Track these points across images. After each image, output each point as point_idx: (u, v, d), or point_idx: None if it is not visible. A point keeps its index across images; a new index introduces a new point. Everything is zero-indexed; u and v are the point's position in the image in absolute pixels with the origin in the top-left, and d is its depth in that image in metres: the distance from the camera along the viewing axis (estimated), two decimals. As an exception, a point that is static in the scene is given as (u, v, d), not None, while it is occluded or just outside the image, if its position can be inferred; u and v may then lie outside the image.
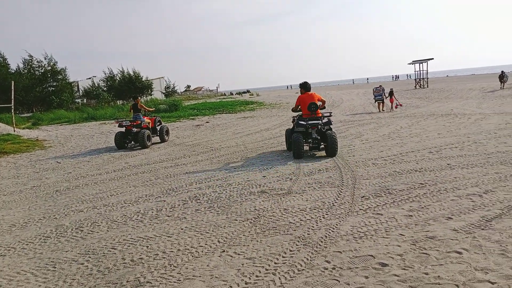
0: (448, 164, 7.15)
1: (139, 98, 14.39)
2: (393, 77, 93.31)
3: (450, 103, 20.62)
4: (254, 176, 7.44)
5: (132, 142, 13.01)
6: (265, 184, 6.80)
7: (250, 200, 5.90)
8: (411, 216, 4.69)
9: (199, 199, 6.16)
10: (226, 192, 6.47)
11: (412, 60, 40.22)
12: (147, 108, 13.75)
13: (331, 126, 9.22)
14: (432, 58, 39.28)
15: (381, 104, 19.54)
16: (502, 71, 29.81)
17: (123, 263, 3.99)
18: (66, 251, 4.45)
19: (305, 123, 9.01)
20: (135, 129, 12.64)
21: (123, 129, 12.86)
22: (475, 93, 25.74)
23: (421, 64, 39.71)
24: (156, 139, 13.89)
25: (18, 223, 5.65)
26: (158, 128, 13.61)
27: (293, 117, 9.84)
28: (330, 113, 9.67)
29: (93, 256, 4.23)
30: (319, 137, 9.11)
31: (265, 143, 11.65)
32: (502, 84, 28.41)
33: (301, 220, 4.84)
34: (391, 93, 19.76)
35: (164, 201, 6.25)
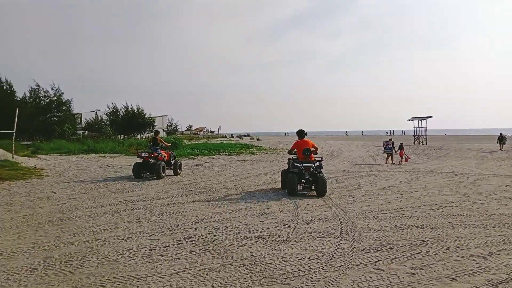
0: (449, 223, 7.02)
1: (159, 133, 15.64)
2: (387, 133, 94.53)
3: (449, 162, 20.71)
4: (251, 221, 7.29)
5: (147, 173, 13.88)
6: (262, 229, 6.64)
7: (247, 245, 5.73)
8: (413, 274, 4.52)
9: (194, 240, 5.99)
10: (223, 235, 6.30)
11: (411, 116, 40.92)
12: (165, 142, 15.06)
13: (322, 169, 10.40)
14: (431, 116, 40.01)
15: (390, 156, 20.11)
16: (501, 133, 30.26)
17: (111, 303, 3.79)
18: (53, 285, 4.24)
19: (300, 165, 10.21)
20: (152, 161, 13.65)
21: (140, 160, 13.89)
22: (473, 153, 25.94)
23: (420, 121, 40.36)
24: (170, 172, 14.70)
25: (5, 252, 5.44)
26: (172, 162, 14.62)
27: (289, 159, 11.04)
28: (322, 158, 10.92)
29: (80, 293, 4.02)
30: (311, 178, 10.20)
31: (263, 188, 11.54)
32: (501, 146, 28.72)
33: (299, 270, 4.67)
34: (401, 147, 20.30)
35: (158, 239, 6.06)
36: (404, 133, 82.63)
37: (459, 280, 4.31)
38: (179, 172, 14.82)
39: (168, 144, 15.75)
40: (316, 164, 10.35)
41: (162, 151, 14.31)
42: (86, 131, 49.51)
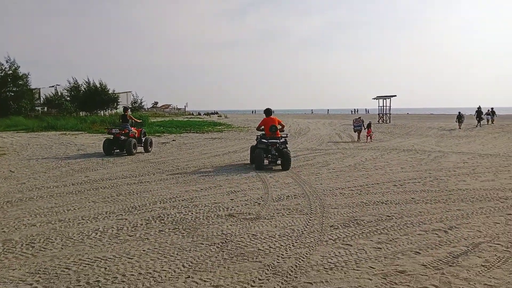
0: (412, 198, 7.30)
1: (128, 109, 15.68)
2: (351, 111, 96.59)
3: (411, 139, 21.46)
4: (221, 199, 7.25)
5: (118, 150, 13.94)
6: (232, 207, 6.63)
7: (217, 223, 5.70)
8: (380, 248, 4.67)
9: (163, 220, 5.89)
10: (192, 213, 6.24)
11: (376, 95, 41.83)
12: (135, 119, 15.19)
13: (287, 145, 11.18)
14: (395, 95, 41.05)
15: (359, 133, 20.96)
16: (459, 112, 31.58)
17: (78, 285, 3.67)
18: (14, 269, 4.04)
19: (266, 141, 10.93)
20: (123, 137, 13.70)
21: (111, 137, 13.86)
22: (433, 132, 27.01)
23: (384, 100, 41.36)
24: (140, 149, 14.71)
25: (-40, 235, 5.13)
26: (143, 139, 14.60)
27: (257, 135, 11.68)
28: (286, 134, 11.75)
29: (44, 276, 3.87)
30: (276, 154, 10.94)
31: (232, 166, 11.50)
32: (459, 124, 30.02)
33: (270, 247, 4.70)
34: (369, 125, 20.87)
35: (126, 219, 5.92)
36: (368, 111, 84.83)
37: (423, 253, 4.49)
38: (150, 149, 14.79)
39: (139, 121, 15.88)
40: (281, 140, 11.06)
41: (133, 128, 14.37)
42: (46, 107, 47.18)
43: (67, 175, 9.80)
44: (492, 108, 35.32)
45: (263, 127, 11.37)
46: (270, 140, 10.90)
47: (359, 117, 22.23)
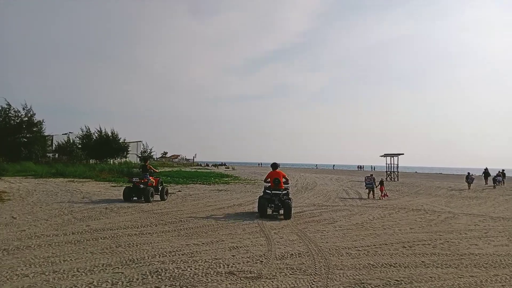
0: (422, 262, 6.97)
1: (148, 160, 17.41)
2: (358, 167, 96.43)
3: (420, 199, 21.04)
4: (222, 254, 7.01)
5: (136, 197, 14.82)
6: (233, 264, 6.38)
7: (216, 281, 5.46)
8: (387, 316, 4.37)
9: (160, 275, 5.66)
10: (191, 269, 6.00)
11: (384, 153, 41.83)
12: (154, 169, 16.13)
13: (289, 196, 12.38)
14: (403, 153, 40.99)
15: (371, 191, 20.82)
16: (468, 173, 31.29)
17: None
18: (-2, 325, 3.84)
19: (270, 192, 12.15)
20: (142, 186, 14.63)
21: (130, 185, 14.94)
22: (443, 192, 26.53)
23: (392, 158, 41.26)
24: (156, 197, 15.48)
25: (-51, 284, 4.96)
26: (160, 187, 15.47)
27: (264, 186, 12.72)
28: (288, 186, 12.80)
29: (29, 334, 3.65)
30: (279, 204, 11.97)
31: (237, 219, 11.27)
32: (468, 185, 29.61)
33: (270, 310, 4.43)
34: (381, 183, 21.15)
35: (122, 273, 5.70)
36: (374, 168, 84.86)
37: (434, 324, 4.18)
38: (166, 197, 15.51)
39: (157, 171, 16.88)
40: (284, 192, 12.20)
41: (151, 178, 15.26)
42: (57, 154, 47.92)
43: (68, 224, 9.66)
44: (502, 170, 34.96)
45: (269, 179, 12.53)
46: (273, 191, 12.13)
47: (371, 175, 22.22)
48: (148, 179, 14.95)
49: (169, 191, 16.59)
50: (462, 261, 7.13)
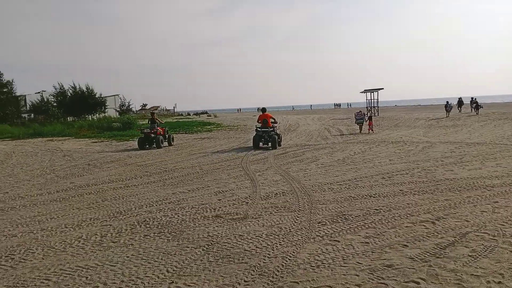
0: (400, 190, 7.28)
1: (155, 113, 21.12)
2: (335, 105, 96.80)
3: (399, 131, 21.54)
4: (208, 199, 7.16)
5: (148, 145, 16.88)
6: (220, 208, 6.54)
7: (204, 225, 5.61)
8: (367, 243, 4.63)
9: (148, 224, 5.78)
10: (178, 216, 6.14)
11: (364, 89, 41.94)
12: (160, 120, 18.65)
13: (276, 131, 15.61)
14: (382, 88, 41.17)
15: (361, 126, 22.10)
16: (447, 101, 32.09)
17: (57, 297, 3.55)
18: (-9, 284, 3.91)
19: (260, 130, 15.45)
20: (152, 135, 16.85)
21: (142, 135, 16.96)
22: (421, 122, 27.17)
23: (372, 93, 41.51)
24: (165, 144, 17.59)
25: None
26: (167, 135, 17.90)
27: (256, 125, 16.04)
28: (276, 125, 16.01)
29: (23, 289, 3.74)
30: (268, 138, 15.19)
31: (221, 165, 11.40)
32: (447, 113, 30.47)
33: (256, 247, 4.63)
34: (370, 118, 22.40)
35: (110, 225, 5.79)
36: (351, 105, 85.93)
37: (410, 246, 4.46)
38: (173, 143, 17.95)
39: (163, 122, 19.69)
40: (270, 129, 15.31)
41: (158, 128, 17.34)
42: (32, 114, 46.51)
43: (51, 182, 9.62)
44: (475, 98, 35.91)
45: (259, 120, 15.83)
46: (262, 129, 15.36)
47: (360, 111, 23.28)
48: (156, 129, 17.06)
49: (174, 137, 19.07)
50: (438, 186, 7.47)
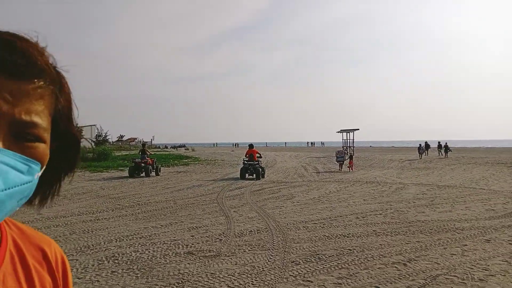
0: (374, 231, 7.35)
1: (145, 145, 23.29)
2: (307, 143, 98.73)
3: (373, 171, 22.00)
4: (181, 235, 7.01)
5: (137, 172, 18.65)
6: (192, 244, 6.41)
7: (175, 262, 5.47)
8: (340, 284, 4.60)
9: (117, 259, 5.58)
10: (149, 252, 5.96)
11: (340, 129, 43.00)
12: (150, 152, 20.79)
13: (261, 165, 18.32)
14: (358, 129, 42.35)
15: (341, 164, 23.41)
16: (420, 144, 33.49)
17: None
18: None
19: (246, 163, 17.83)
20: (143, 164, 18.71)
21: (133, 164, 19.03)
22: (395, 164, 27.88)
23: (348, 134, 42.56)
24: (152, 174, 19.22)
25: None
26: (155, 166, 19.69)
27: (243, 159, 18.49)
28: (260, 160, 18.65)
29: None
30: (253, 170, 17.54)
31: (196, 200, 11.26)
32: (420, 156, 31.61)
33: (228, 286, 4.53)
34: (351, 157, 23.91)
35: (77, 260, 5.56)
36: (324, 144, 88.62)
37: (382, 288, 4.46)
38: (160, 173, 19.70)
39: (152, 153, 21.63)
40: (255, 163, 17.78)
41: (148, 158, 19.34)
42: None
43: (17, 213, 9.15)
44: (445, 143, 37.64)
45: (247, 155, 18.29)
46: (249, 162, 17.79)
47: (341, 150, 25.31)
48: (146, 159, 19.12)
49: (161, 169, 20.77)
50: (410, 228, 7.59)
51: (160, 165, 21.01)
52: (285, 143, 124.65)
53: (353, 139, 42.51)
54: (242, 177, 17.48)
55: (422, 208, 9.81)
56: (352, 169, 22.62)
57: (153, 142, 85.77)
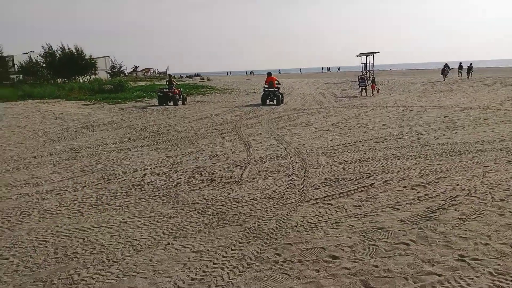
0: (393, 155, 7.35)
1: (172, 76, 26.28)
2: (322, 69, 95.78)
3: (393, 96, 21.49)
4: (203, 163, 7.18)
5: (165, 102, 19.72)
6: (214, 171, 6.58)
7: (199, 188, 5.66)
8: (360, 206, 4.72)
9: (143, 187, 5.81)
10: (173, 179, 6.17)
11: (359, 52, 41.35)
12: (176, 82, 22.59)
13: (280, 91, 19.04)
14: (378, 52, 40.57)
15: (364, 89, 22.73)
16: (445, 64, 32.18)
17: (55, 257, 3.61)
18: (-12, 245, 3.95)
19: (267, 89, 18.66)
20: (170, 94, 19.86)
21: (161, 94, 19.95)
22: (416, 87, 27.08)
23: (367, 57, 41.00)
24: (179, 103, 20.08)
25: None
26: (181, 95, 20.64)
27: (263, 86, 19.43)
28: (280, 86, 19.50)
29: (21, 250, 3.80)
30: (273, 96, 18.43)
31: (215, 129, 11.37)
32: (444, 77, 30.56)
33: (251, 210, 4.70)
34: (373, 81, 23.15)
35: (105, 188, 5.82)
36: (340, 69, 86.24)
37: (401, 209, 4.56)
38: (186, 102, 20.53)
39: (179, 84, 24.29)
40: (275, 89, 18.59)
41: (175, 89, 20.32)
42: (21, 75, 45.49)
43: (44, 145, 9.55)
44: (470, 63, 35.99)
45: (266, 82, 18.95)
46: (269, 89, 18.60)
47: (363, 74, 24.37)
48: (173, 89, 20.12)
49: (187, 98, 21.59)
50: (430, 151, 7.55)
51: (186, 95, 21.93)
52: (300, 69, 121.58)
53: (373, 63, 41.07)
54: (264, 103, 18.42)
55: (443, 131, 9.67)
56: (377, 92, 22.70)
57: (167, 72, 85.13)
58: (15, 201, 5.34)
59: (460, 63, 37.05)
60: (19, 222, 4.56)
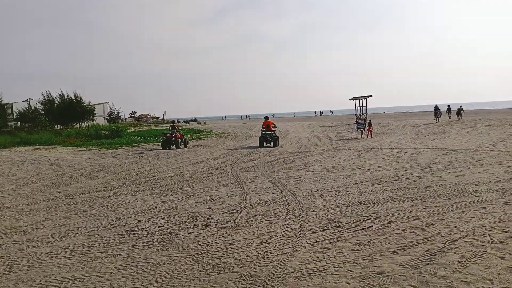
0: (390, 197, 7.32)
1: (175, 121, 26.94)
2: (315, 113, 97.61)
3: (387, 138, 21.75)
4: (198, 208, 7.10)
5: (168, 145, 20.68)
6: (210, 216, 6.49)
7: (194, 234, 5.55)
8: (358, 250, 4.62)
9: (137, 233, 5.70)
10: (168, 225, 6.06)
11: (352, 96, 42.27)
12: (179, 127, 23.36)
13: (276, 134, 20.22)
14: (371, 95, 41.53)
15: (362, 131, 23.76)
16: (435, 106, 33.00)
17: (43, 310, 3.46)
18: (-27, 297, 3.80)
19: (264, 132, 19.84)
20: (173, 138, 20.88)
21: (164, 138, 21.03)
22: (409, 129, 27.48)
23: (361, 101, 41.88)
24: (181, 147, 20.98)
25: None
26: (183, 139, 21.77)
27: (261, 129, 20.53)
28: (276, 129, 20.59)
29: (7, 302, 3.64)
30: (270, 139, 19.62)
31: (211, 173, 11.34)
32: (436, 119, 31.14)
33: (247, 256, 4.59)
34: (369, 123, 24.32)
35: (98, 235, 5.70)
36: (332, 112, 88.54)
37: (400, 253, 4.47)
38: (187, 146, 21.58)
39: (181, 128, 24.81)
40: (272, 132, 19.81)
41: (178, 133, 21.37)
42: (19, 122, 45.79)
43: (38, 192, 9.44)
44: (460, 106, 37.06)
45: (264, 126, 20.19)
46: (266, 132, 19.86)
47: (361, 117, 25.66)
48: (176, 133, 21.16)
49: (188, 142, 22.62)
50: (426, 193, 7.53)
51: (187, 138, 23.14)
52: (294, 113, 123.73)
53: (366, 106, 41.88)
54: (261, 145, 19.58)
55: (438, 173, 9.70)
56: (371, 134, 23.28)
57: (165, 118, 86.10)
58: (4, 250, 5.19)
59: (448, 105, 38.21)
60: (6, 272, 4.41)
